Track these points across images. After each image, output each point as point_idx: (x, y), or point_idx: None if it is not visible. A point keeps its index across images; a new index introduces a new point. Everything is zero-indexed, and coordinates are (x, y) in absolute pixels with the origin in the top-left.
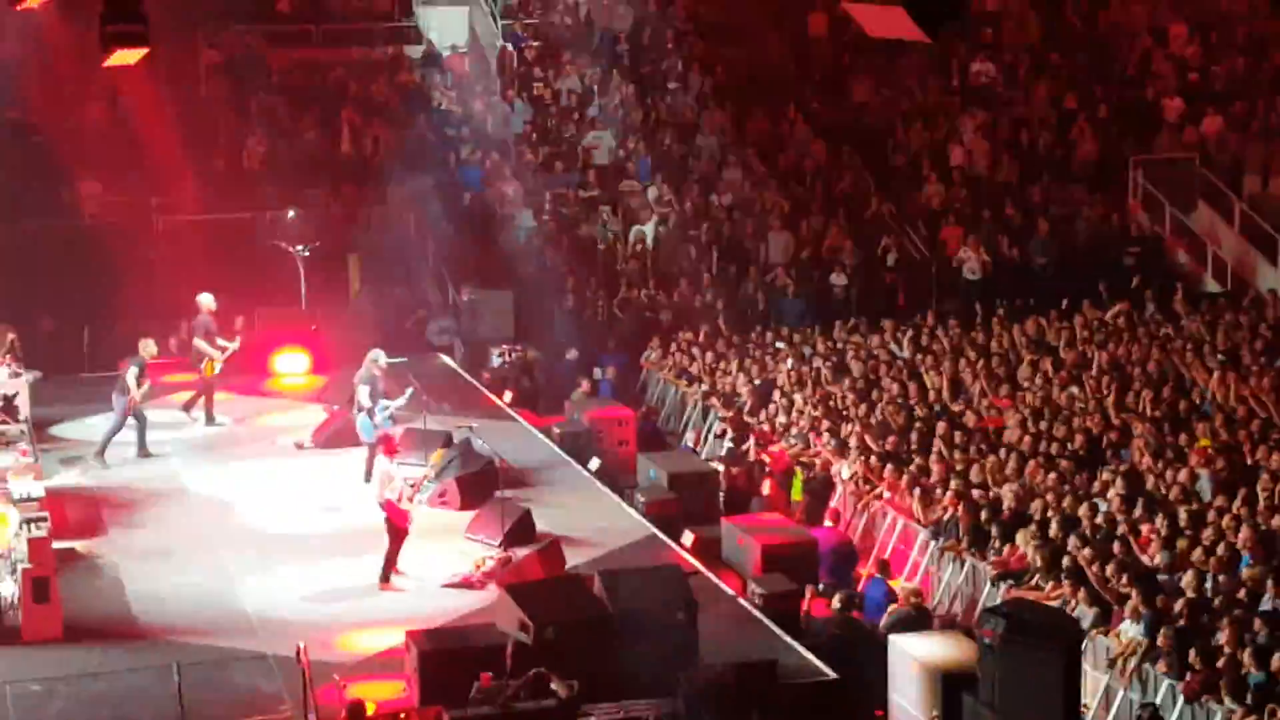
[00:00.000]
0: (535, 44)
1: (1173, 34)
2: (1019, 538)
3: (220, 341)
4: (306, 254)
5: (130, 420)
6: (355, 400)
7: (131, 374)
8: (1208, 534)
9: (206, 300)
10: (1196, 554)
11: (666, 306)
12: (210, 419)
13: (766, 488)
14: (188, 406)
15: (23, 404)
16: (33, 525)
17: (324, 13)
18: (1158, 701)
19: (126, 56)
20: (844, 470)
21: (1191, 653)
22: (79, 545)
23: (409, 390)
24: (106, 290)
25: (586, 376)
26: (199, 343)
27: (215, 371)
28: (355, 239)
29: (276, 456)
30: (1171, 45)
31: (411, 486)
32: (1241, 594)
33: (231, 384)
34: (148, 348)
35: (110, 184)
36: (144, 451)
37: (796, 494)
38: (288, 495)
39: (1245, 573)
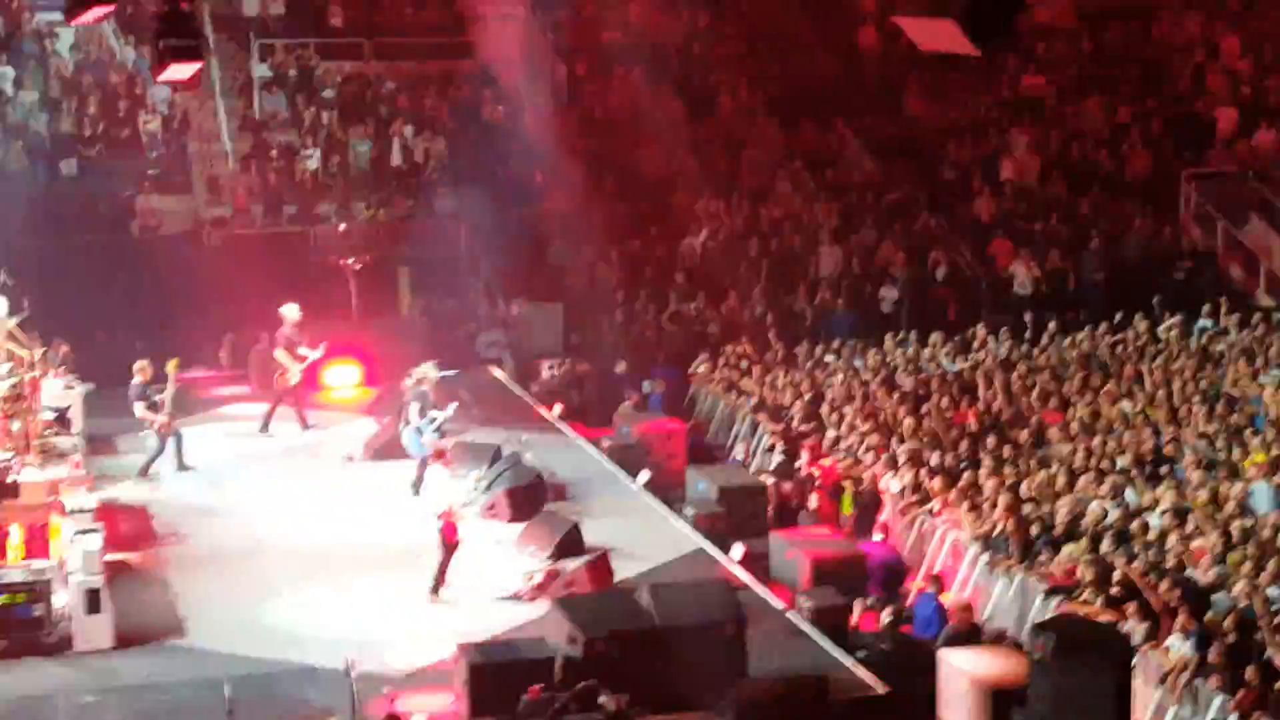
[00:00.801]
0: (585, 59)
1: (1225, 47)
2: (1069, 552)
3: (301, 351)
4: (358, 267)
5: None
6: (404, 414)
7: (138, 409)
8: (1259, 549)
9: (290, 311)
10: (1248, 568)
11: (716, 320)
12: (305, 424)
13: (815, 501)
14: (266, 422)
15: (76, 416)
16: (85, 537)
17: (376, 27)
18: (1209, 718)
19: (181, 71)
20: (893, 484)
21: (1249, 669)
22: (130, 557)
23: (453, 404)
24: (159, 303)
25: (635, 390)
26: (279, 354)
27: (294, 382)
28: (406, 252)
29: (327, 469)
30: (1224, 59)
31: (465, 505)
32: None
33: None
34: (143, 370)
35: (165, 198)
36: (183, 466)
37: (846, 508)
38: (338, 507)
39: None
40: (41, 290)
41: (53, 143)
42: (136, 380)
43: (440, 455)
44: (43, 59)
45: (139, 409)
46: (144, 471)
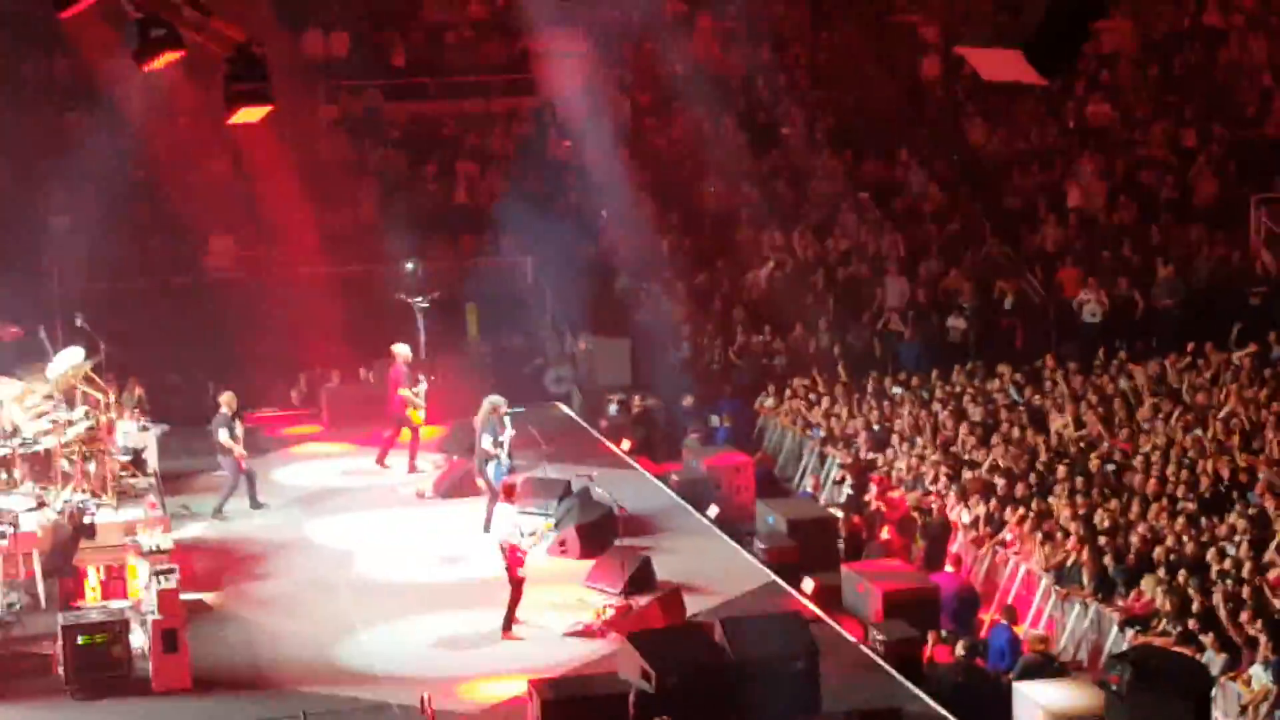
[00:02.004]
0: (648, 93)
1: None
2: (1146, 583)
3: (417, 390)
4: (426, 305)
5: (241, 476)
6: (478, 447)
7: (223, 435)
8: None
9: (403, 350)
10: None
11: (782, 352)
12: (412, 468)
13: (885, 533)
14: (412, 462)
15: (151, 457)
16: (162, 577)
17: (440, 66)
18: None
19: (250, 114)
20: (964, 515)
21: None
22: (207, 596)
23: (507, 420)
24: (231, 343)
25: (703, 423)
26: (404, 393)
27: (420, 419)
28: (473, 289)
29: (398, 506)
30: None
31: (530, 535)
32: None
33: (353, 435)
34: (229, 402)
35: (235, 240)
36: (256, 504)
37: (918, 540)
38: (409, 545)
39: None
40: (116, 333)
41: (126, 187)
42: (223, 411)
43: (510, 492)
44: (114, 105)
45: (223, 435)
46: (218, 510)
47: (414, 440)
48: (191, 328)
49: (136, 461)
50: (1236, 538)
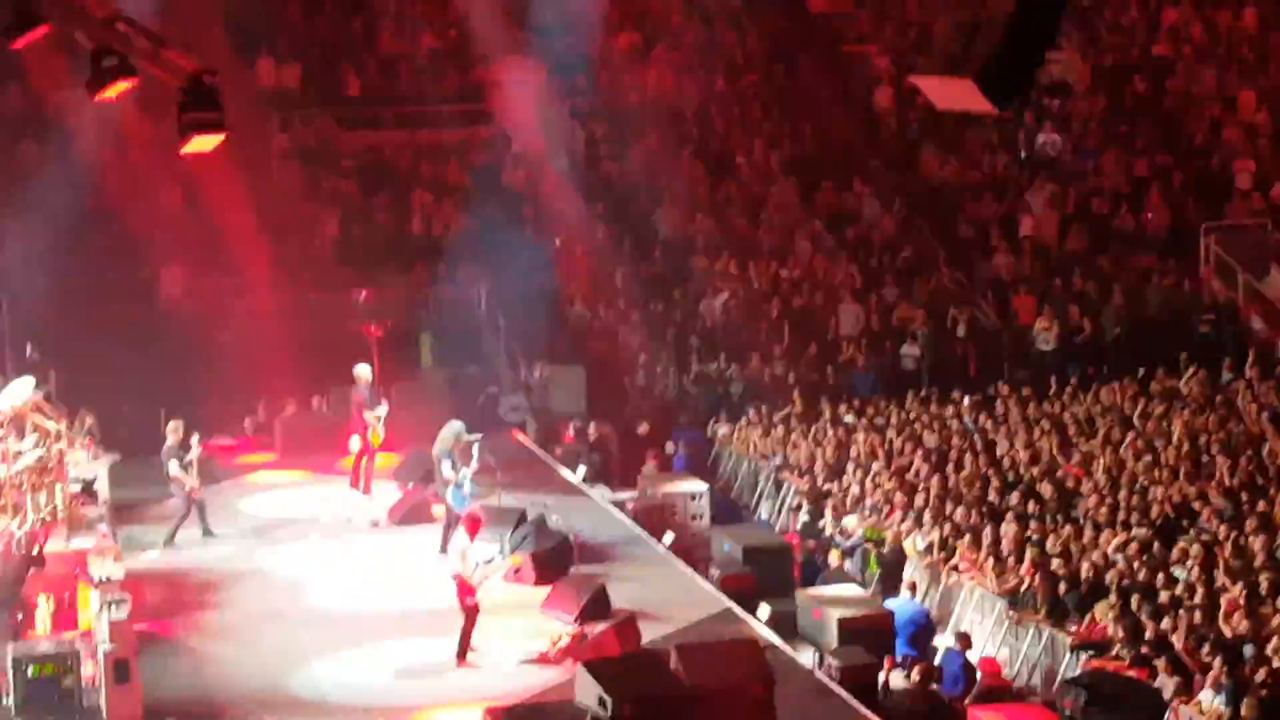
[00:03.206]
0: (603, 122)
1: (1242, 101)
2: (1098, 608)
3: (379, 411)
4: (380, 334)
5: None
6: (438, 474)
7: (173, 467)
8: None
9: (364, 373)
10: (1278, 622)
11: (738, 380)
12: (367, 490)
13: (834, 559)
14: (355, 483)
15: (102, 487)
16: (114, 607)
17: (394, 96)
18: None
19: (204, 144)
20: (919, 541)
21: None
22: (159, 626)
23: (475, 449)
24: (183, 373)
25: (658, 451)
26: (367, 415)
27: (379, 441)
28: (427, 318)
29: (352, 535)
30: (1241, 112)
31: (487, 563)
32: None
33: (308, 463)
34: (176, 431)
35: (188, 269)
36: (208, 532)
37: (872, 566)
38: (364, 574)
39: None
40: (67, 363)
41: (78, 217)
42: (170, 442)
43: (471, 524)
44: (66, 135)
45: (173, 467)
46: (170, 539)
47: (369, 463)
48: (144, 357)
49: (88, 491)
50: (1188, 562)
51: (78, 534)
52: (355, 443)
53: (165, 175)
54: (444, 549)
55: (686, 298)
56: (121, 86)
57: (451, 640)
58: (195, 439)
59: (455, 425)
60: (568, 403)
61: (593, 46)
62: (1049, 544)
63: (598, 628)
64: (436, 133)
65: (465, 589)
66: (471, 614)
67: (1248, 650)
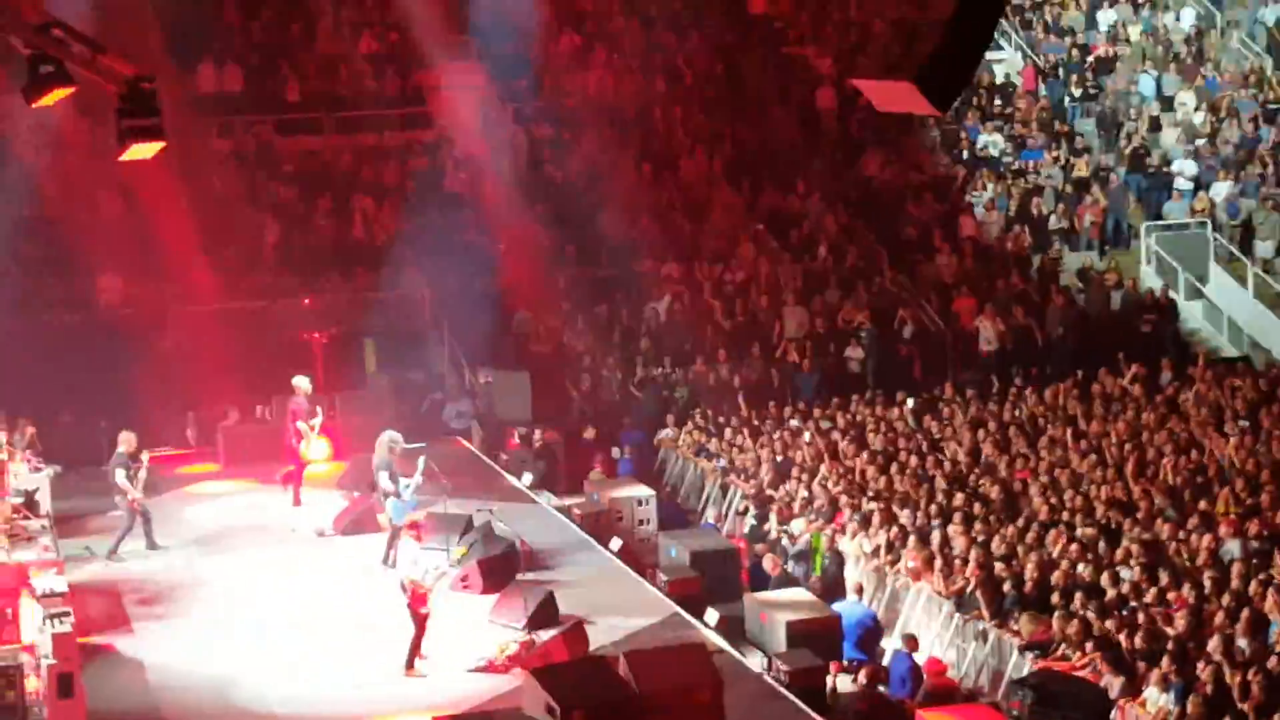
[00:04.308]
0: (545, 126)
1: (1179, 100)
2: (1043, 609)
3: (311, 424)
4: (323, 341)
5: (137, 516)
6: (377, 486)
7: (119, 476)
8: (1234, 600)
9: (302, 383)
10: (1222, 620)
11: (683, 384)
12: (297, 500)
13: (769, 563)
14: (296, 497)
15: (44, 499)
16: (56, 620)
17: (334, 100)
18: None
19: (142, 151)
20: (865, 544)
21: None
22: (103, 639)
23: (420, 461)
24: (125, 382)
25: (604, 456)
26: (302, 425)
27: (310, 453)
28: (370, 323)
29: (298, 544)
30: (1179, 112)
31: (435, 571)
32: (1271, 661)
33: (251, 473)
34: (128, 442)
35: (127, 276)
36: (152, 544)
37: (818, 569)
38: (309, 583)
39: (1275, 636)
40: (6, 372)
41: (15, 224)
42: (121, 450)
43: (414, 528)
44: (3, 142)
45: (119, 476)
46: (114, 552)
47: (298, 474)
48: (84, 366)
49: (29, 503)
50: (1131, 562)
51: (19, 547)
52: (320, 449)
53: (104, 182)
54: (386, 560)
55: (631, 301)
56: (59, 94)
57: (399, 650)
58: (145, 456)
59: (389, 435)
60: (513, 408)
61: (533, 49)
62: (994, 545)
63: (545, 635)
64: (377, 137)
65: (418, 598)
66: (422, 623)
67: (1192, 648)
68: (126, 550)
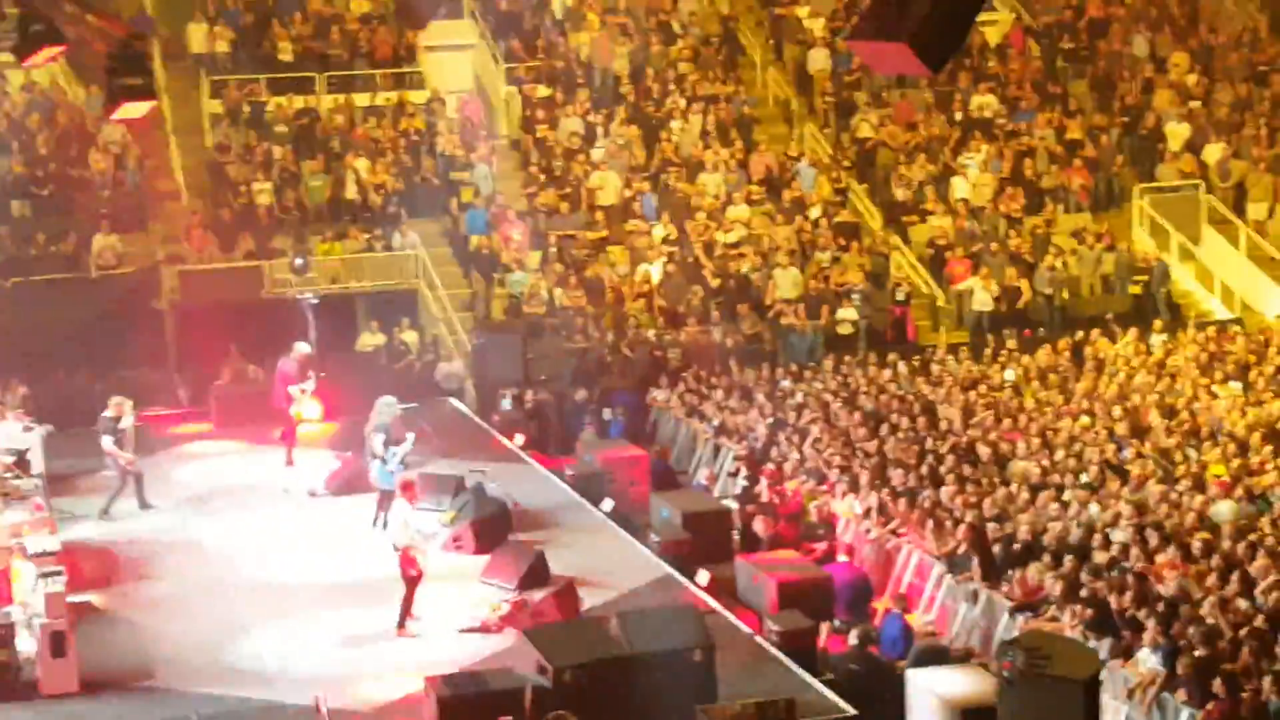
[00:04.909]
0: (538, 87)
1: (1173, 62)
2: (1033, 569)
3: (303, 387)
4: (315, 301)
5: (129, 476)
6: (368, 447)
7: (108, 442)
8: (1223, 561)
9: (302, 348)
10: (1212, 581)
11: (675, 345)
12: (289, 461)
13: (759, 525)
14: (289, 457)
15: (36, 458)
16: (49, 580)
17: (326, 60)
18: None
19: (134, 110)
20: (857, 505)
21: (1216, 681)
22: (94, 598)
23: (411, 435)
24: (117, 342)
25: (596, 417)
26: (295, 390)
27: (303, 415)
28: (362, 285)
29: (290, 504)
30: (1172, 73)
31: (429, 536)
32: (1260, 620)
33: (244, 432)
34: (119, 406)
35: (119, 236)
36: (144, 504)
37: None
38: (302, 543)
39: (1262, 598)
40: None
41: (4, 184)
42: (108, 414)
43: (407, 489)
44: None
45: (107, 442)
46: (105, 511)
47: (291, 436)
48: (77, 326)
49: (20, 463)
50: (1122, 523)
51: (11, 506)
52: (312, 410)
53: (96, 141)
54: (376, 522)
55: (624, 262)
56: (50, 52)
57: (390, 610)
58: (129, 408)
59: (386, 400)
60: (505, 369)
61: (527, 9)
62: (985, 506)
63: (537, 595)
64: (370, 96)
65: (409, 560)
66: (412, 584)
67: (1182, 609)
68: (118, 510)
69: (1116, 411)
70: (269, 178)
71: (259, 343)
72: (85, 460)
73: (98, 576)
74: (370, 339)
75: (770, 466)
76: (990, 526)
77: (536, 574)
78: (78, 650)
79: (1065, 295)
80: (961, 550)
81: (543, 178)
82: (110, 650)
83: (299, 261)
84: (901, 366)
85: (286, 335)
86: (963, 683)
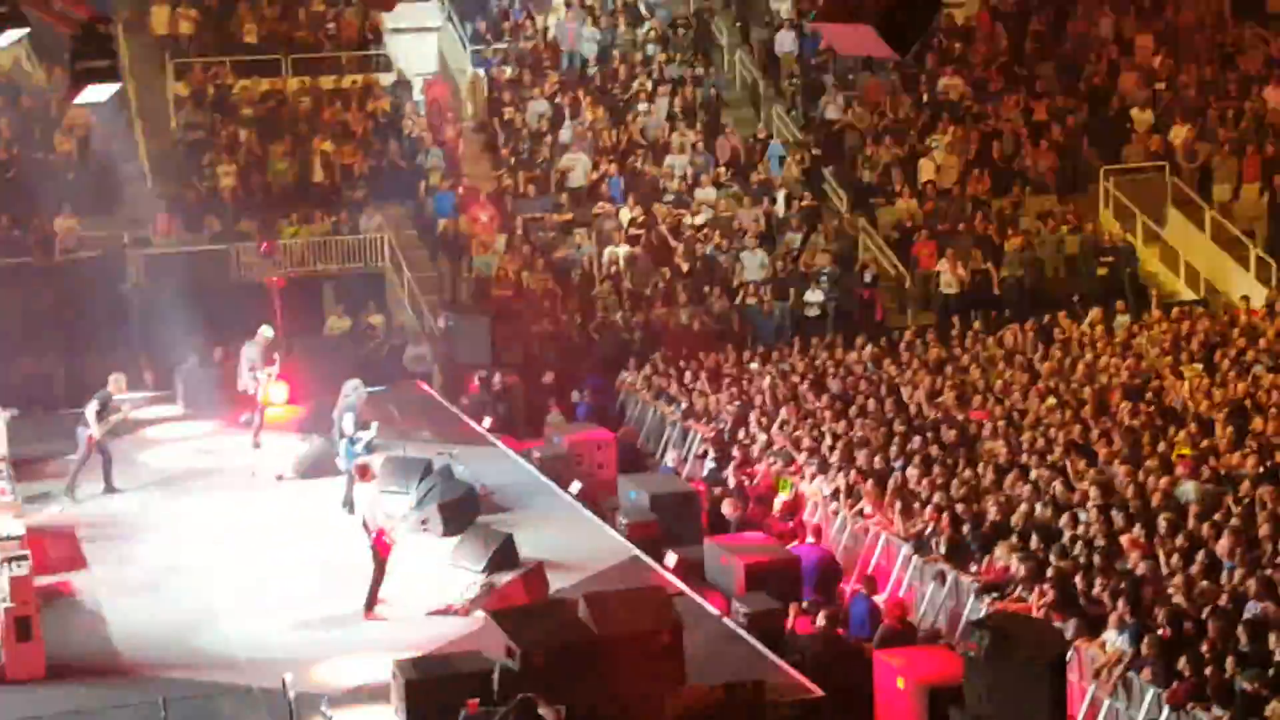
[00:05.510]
0: (505, 69)
1: (1139, 44)
2: (1000, 550)
3: (269, 371)
4: (281, 284)
5: (96, 456)
6: (339, 428)
7: (90, 409)
8: (1188, 541)
9: (266, 332)
10: (1177, 561)
11: (642, 328)
12: (256, 444)
13: (728, 507)
14: (255, 440)
15: (0, 442)
16: (14, 564)
17: (292, 42)
18: (1143, 710)
19: (98, 93)
20: (825, 487)
21: (1183, 660)
22: (61, 582)
23: (374, 423)
24: (81, 325)
25: (564, 400)
26: (261, 373)
27: (268, 398)
28: (330, 268)
29: (256, 488)
30: (1138, 56)
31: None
32: (1224, 600)
33: (209, 416)
34: (117, 383)
35: (84, 219)
36: (110, 487)
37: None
38: (268, 526)
39: (1227, 579)
40: None
41: None
42: (108, 389)
43: (363, 473)
44: None
45: (90, 409)
46: (71, 488)
47: (259, 419)
48: (42, 310)
49: None
50: (1088, 504)
51: None
52: (278, 393)
53: (60, 124)
54: (345, 503)
55: (590, 245)
56: (13, 35)
57: (359, 593)
58: (126, 407)
59: (354, 383)
60: (472, 352)
61: None
62: (953, 487)
63: (505, 578)
64: (336, 79)
65: (382, 543)
66: (381, 566)
67: (1147, 589)
68: (83, 494)
69: (1083, 392)
70: (235, 161)
71: (224, 326)
72: (50, 444)
73: (63, 560)
74: (338, 323)
75: (738, 449)
76: (957, 508)
77: (504, 556)
78: (44, 635)
79: (1031, 277)
80: (929, 531)
81: (512, 160)
82: (77, 635)
83: (264, 245)
84: (869, 349)
85: (252, 319)
86: (929, 663)
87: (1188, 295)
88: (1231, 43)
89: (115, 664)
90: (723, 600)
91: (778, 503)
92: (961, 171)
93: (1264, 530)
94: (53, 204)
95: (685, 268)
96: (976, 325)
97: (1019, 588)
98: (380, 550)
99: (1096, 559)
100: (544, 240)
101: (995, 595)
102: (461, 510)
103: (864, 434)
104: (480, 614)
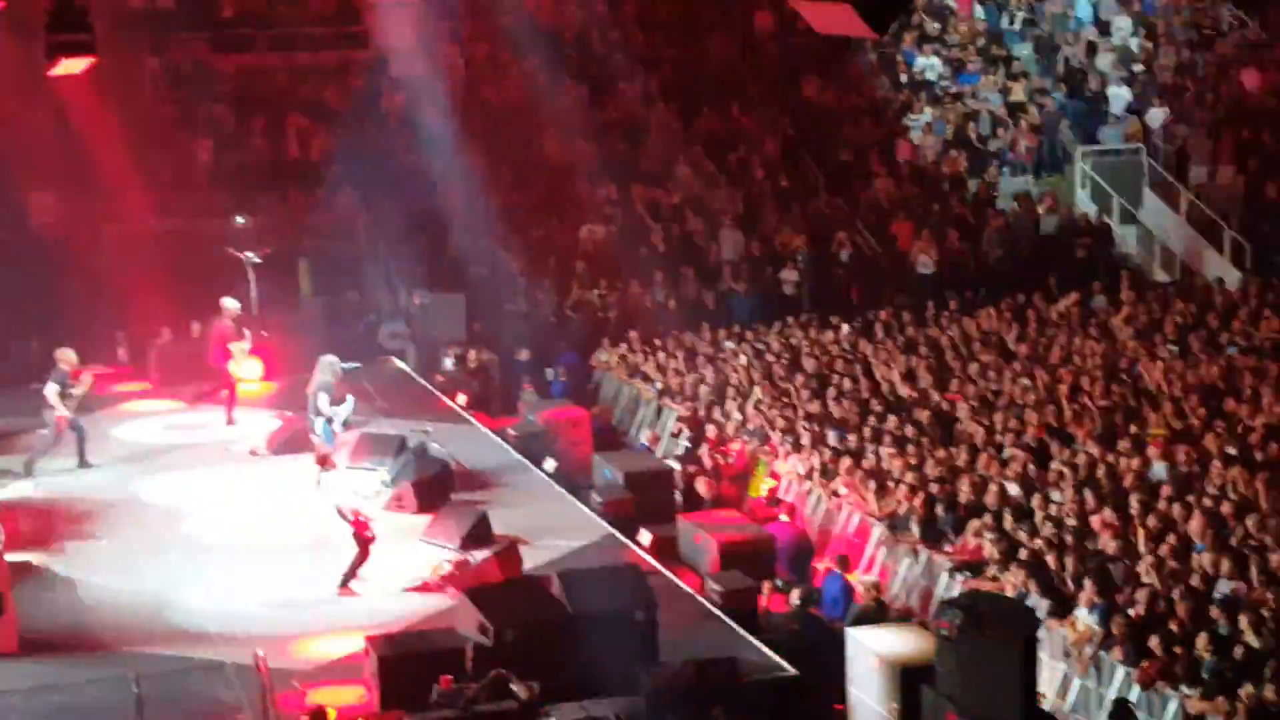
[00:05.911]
0: (482, 46)
1: (1116, 25)
2: (973, 529)
3: (242, 344)
4: (257, 261)
5: (70, 433)
6: (314, 406)
7: (51, 391)
8: (1160, 521)
9: (230, 304)
10: (1148, 541)
11: (618, 306)
12: (230, 420)
13: (702, 486)
14: (229, 416)
15: None
16: None
17: (269, 18)
18: (1113, 689)
19: (72, 66)
20: (799, 465)
21: (1153, 640)
22: (33, 557)
23: (351, 398)
24: (55, 300)
25: (539, 378)
26: (233, 346)
27: (241, 373)
28: (305, 245)
29: (231, 463)
30: (1115, 36)
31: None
32: (1195, 580)
33: (183, 392)
34: (66, 357)
35: (58, 194)
36: (84, 463)
37: (754, 491)
38: (243, 502)
39: (1198, 559)
40: None
41: None
42: (62, 366)
43: (324, 462)
44: None
45: (51, 391)
46: (30, 467)
47: (231, 395)
48: (15, 285)
49: None
50: (1062, 484)
51: None
52: (252, 369)
53: (33, 98)
54: (319, 481)
55: (567, 223)
56: None
57: (332, 569)
58: (88, 376)
59: (329, 359)
60: (448, 330)
61: None
62: (927, 467)
63: (479, 555)
64: (313, 56)
65: (362, 523)
66: (365, 546)
67: (1119, 569)
68: (56, 468)
69: (1058, 373)
70: (211, 137)
71: (199, 302)
72: (21, 419)
73: (36, 535)
74: (313, 299)
75: (712, 427)
76: (931, 487)
77: (479, 534)
78: (16, 609)
79: (1008, 258)
80: (903, 510)
81: (486, 138)
82: (50, 609)
83: (240, 220)
84: (845, 329)
85: (227, 294)
86: (902, 642)
87: (1163, 277)
88: (1209, 25)
89: (88, 639)
90: (697, 578)
91: (763, 489)
92: (939, 152)
93: (1234, 510)
94: (27, 179)
95: (661, 247)
96: (953, 306)
97: (992, 567)
98: (361, 533)
99: (1069, 539)
100: (520, 218)
101: (968, 574)
102: (436, 487)
103: (839, 413)
104: (454, 591)
